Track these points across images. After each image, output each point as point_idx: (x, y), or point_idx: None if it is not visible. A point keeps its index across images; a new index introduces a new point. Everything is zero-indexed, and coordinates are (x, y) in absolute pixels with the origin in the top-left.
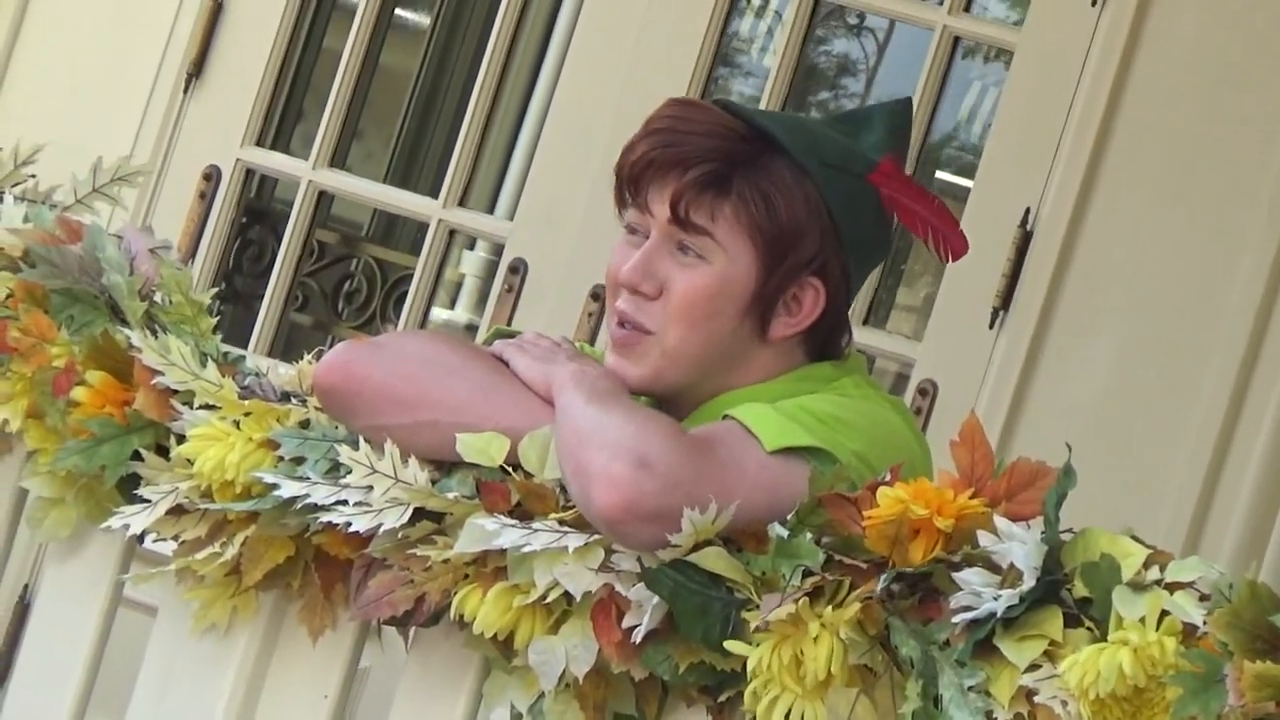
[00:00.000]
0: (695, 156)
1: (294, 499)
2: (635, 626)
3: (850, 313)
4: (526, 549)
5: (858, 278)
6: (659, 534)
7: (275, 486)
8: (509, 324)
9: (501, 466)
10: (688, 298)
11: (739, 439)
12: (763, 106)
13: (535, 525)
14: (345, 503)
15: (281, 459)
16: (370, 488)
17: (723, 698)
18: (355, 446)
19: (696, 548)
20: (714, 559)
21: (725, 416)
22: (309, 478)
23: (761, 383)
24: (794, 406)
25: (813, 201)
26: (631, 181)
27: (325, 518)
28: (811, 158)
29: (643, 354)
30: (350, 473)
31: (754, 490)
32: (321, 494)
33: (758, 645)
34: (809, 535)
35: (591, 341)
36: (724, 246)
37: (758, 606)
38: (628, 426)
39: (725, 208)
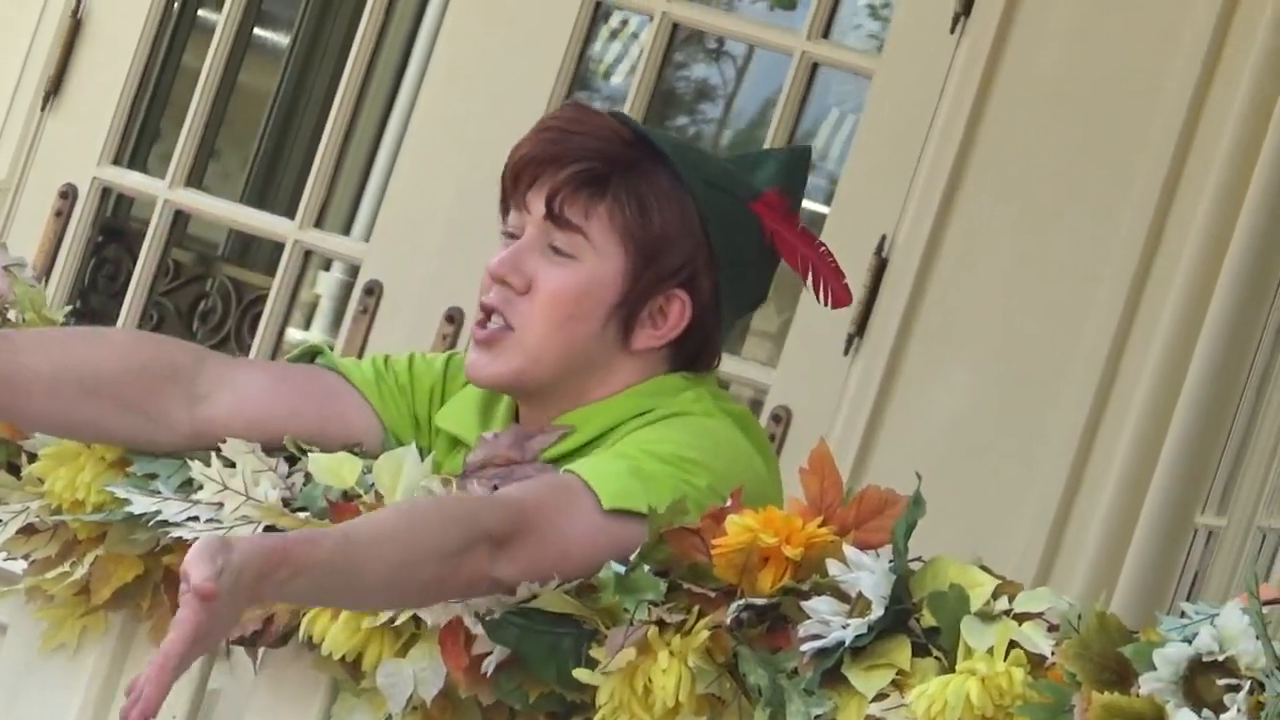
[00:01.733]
0: (575, 155)
1: (145, 514)
2: (486, 654)
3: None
4: None
5: (733, 304)
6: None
7: (126, 501)
8: (363, 345)
9: (352, 490)
10: (553, 295)
11: (576, 497)
12: None
13: None
14: (196, 519)
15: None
16: (221, 505)
17: None
18: (207, 463)
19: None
20: (557, 601)
21: (567, 471)
22: (160, 493)
23: (615, 394)
24: (639, 453)
25: (688, 214)
26: (513, 179)
27: (175, 533)
28: (694, 173)
29: (503, 350)
30: (201, 489)
31: (593, 551)
32: (172, 510)
33: (607, 676)
34: (647, 568)
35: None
36: (595, 246)
37: (603, 636)
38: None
39: (600, 208)
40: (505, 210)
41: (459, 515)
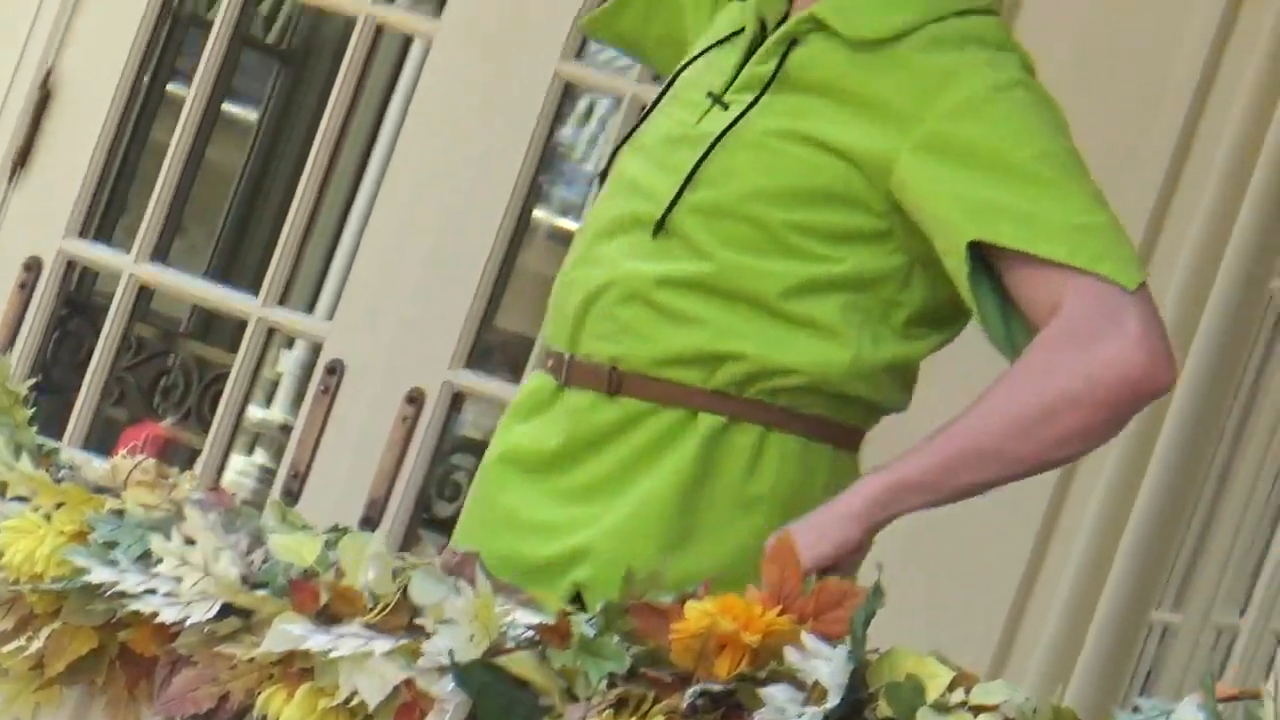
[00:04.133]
0: None
1: (104, 585)
2: None
3: None
4: (334, 654)
5: None
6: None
7: (85, 570)
8: (323, 425)
9: (311, 568)
10: None
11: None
12: (580, 224)
13: (342, 629)
14: (154, 592)
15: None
16: (180, 579)
17: None
18: (168, 536)
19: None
20: (520, 663)
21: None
22: (119, 563)
23: None
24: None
25: None
26: None
27: (133, 606)
28: None
29: None
30: (161, 561)
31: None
32: (131, 581)
33: None
34: (616, 638)
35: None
36: None
37: (560, 715)
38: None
39: None
40: None
41: (1028, 379)
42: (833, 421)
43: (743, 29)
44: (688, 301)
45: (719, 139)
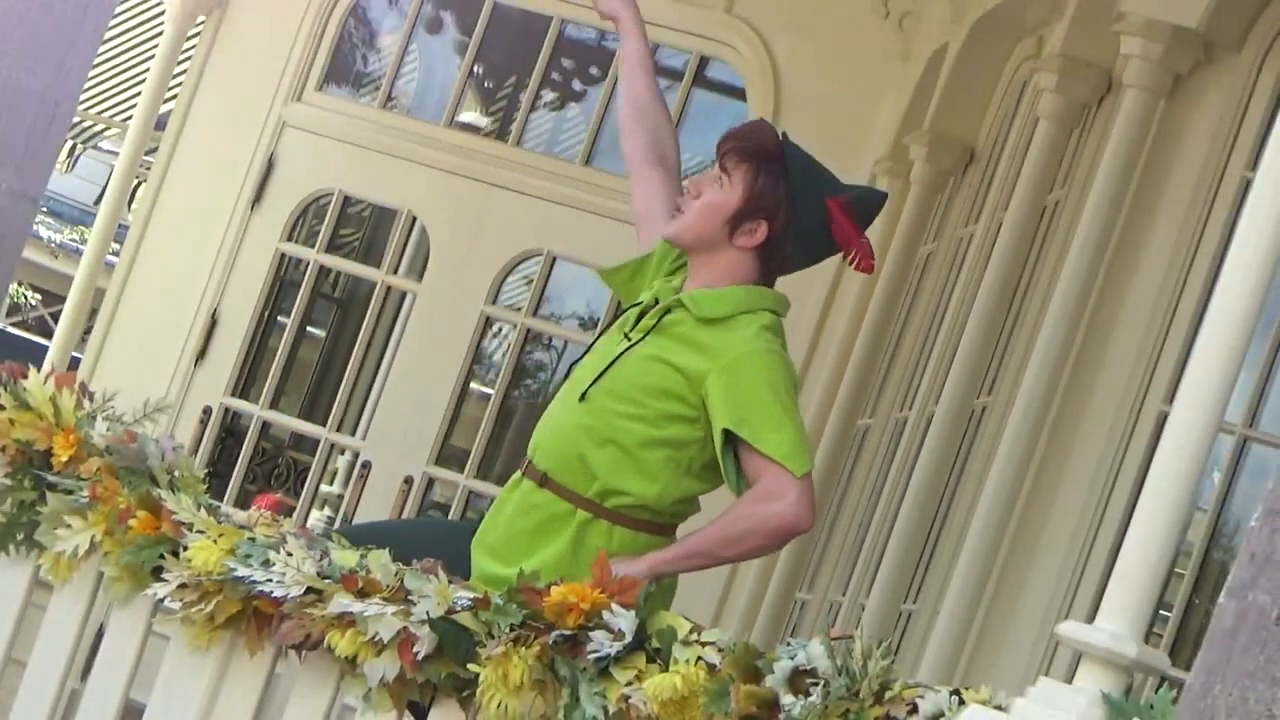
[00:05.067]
0: (745, 138)
1: (244, 577)
2: (419, 650)
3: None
4: (366, 614)
5: (798, 249)
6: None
7: (233, 569)
8: (360, 495)
9: (354, 568)
10: (705, 202)
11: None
12: (493, 391)
13: (370, 602)
14: (270, 580)
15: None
16: (284, 574)
17: (465, 694)
18: (278, 551)
19: (453, 611)
20: (463, 618)
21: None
22: (253, 567)
23: (729, 285)
24: (771, 399)
25: (780, 186)
26: (717, 144)
27: (260, 588)
28: (798, 169)
29: (679, 223)
30: (274, 565)
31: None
32: (259, 575)
33: (485, 666)
34: (514, 605)
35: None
36: (733, 184)
37: (484, 645)
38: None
39: (741, 166)
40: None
41: (733, 518)
42: (652, 523)
43: (639, 301)
44: (583, 442)
45: (621, 354)
